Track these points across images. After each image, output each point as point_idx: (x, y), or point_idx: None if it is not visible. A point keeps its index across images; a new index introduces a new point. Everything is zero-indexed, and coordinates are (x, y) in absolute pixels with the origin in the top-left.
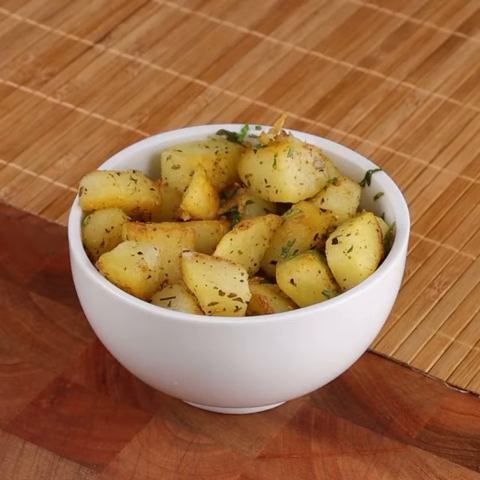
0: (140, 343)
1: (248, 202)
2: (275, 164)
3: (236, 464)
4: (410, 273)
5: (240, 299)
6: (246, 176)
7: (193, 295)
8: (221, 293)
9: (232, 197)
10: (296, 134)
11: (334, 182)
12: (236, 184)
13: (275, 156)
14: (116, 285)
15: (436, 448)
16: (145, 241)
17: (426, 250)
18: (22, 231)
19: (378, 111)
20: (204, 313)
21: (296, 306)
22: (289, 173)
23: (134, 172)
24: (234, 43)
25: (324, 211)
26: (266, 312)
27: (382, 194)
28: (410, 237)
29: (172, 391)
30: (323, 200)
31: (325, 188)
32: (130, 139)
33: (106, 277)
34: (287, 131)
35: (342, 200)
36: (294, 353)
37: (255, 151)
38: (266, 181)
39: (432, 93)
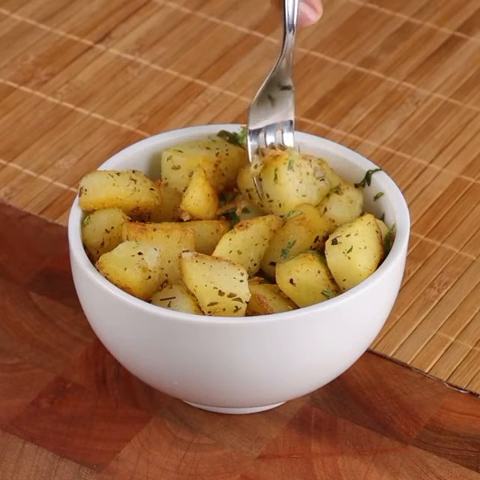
0: (140, 343)
1: (244, 211)
2: (276, 178)
3: (236, 464)
4: (410, 273)
5: (240, 299)
6: (247, 190)
7: (193, 295)
8: (221, 293)
9: (231, 201)
10: (296, 134)
11: (337, 191)
12: (235, 190)
13: (275, 170)
14: (116, 285)
15: (436, 448)
16: (145, 241)
17: (426, 250)
18: (22, 231)
19: (378, 111)
20: (204, 313)
21: (296, 306)
22: (291, 186)
23: (134, 172)
24: (234, 43)
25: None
26: (266, 312)
27: (382, 194)
28: (410, 237)
29: (172, 391)
30: (326, 209)
31: (328, 196)
32: (130, 139)
33: (106, 277)
34: (284, 142)
35: (344, 209)
36: (294, 353)
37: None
38: (268, 196)
39: (432, 93)
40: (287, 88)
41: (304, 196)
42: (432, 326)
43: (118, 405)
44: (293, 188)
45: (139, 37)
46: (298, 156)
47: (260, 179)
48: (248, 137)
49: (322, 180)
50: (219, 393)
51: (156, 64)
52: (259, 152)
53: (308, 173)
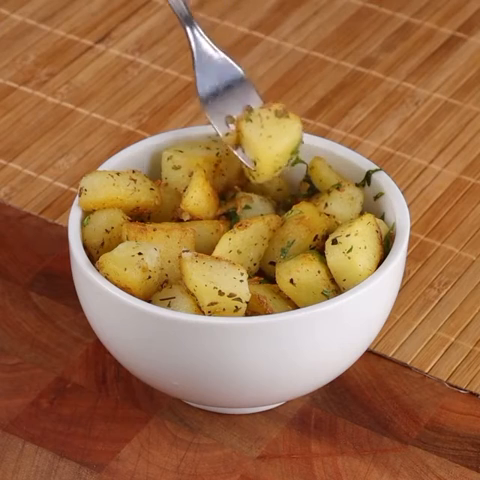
0: (140, 343)
1: (246, 207)
2: (243, 137)
3: (236, 464)
4: (410, 273)
5: (240, 299)
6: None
7: (193, 295)
8: (221, 293)
9: (231, 200)
10: None
11: (338, 187)
12: (235, 187)
13: (239, 132)
14: (116, 285)
15: (436, 448)
16: (145, 241)
17: (426, 250)
18: (22, 231)
19: (378, 111)
20: (204, 313)
21: (296, 306)
22: (253, 134)
23: (133, 172)
24: (234, 43)
25: (328, 215)
26: (266, 312)
27: (382, 194)
28: (410, 237)
29: (172, 391)
30: (327, 204)
31: (329, 193)
32: (130, 139)
33: (106, 277)
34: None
35: (345, 206)
36: (294, 353)
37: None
38: (254, 163)
39: (432, 93)
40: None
41: (270, 137)
42: (432, 326)
43: (118, 405)
44: (256, 135)
45: (139, 37)
46: (256, 108)
47: (243, 151)
48: (207, 114)
49: (287, 117)
50: (219, 393)
51: (156, 64)
52: (227, 120)
53: (268, 117)
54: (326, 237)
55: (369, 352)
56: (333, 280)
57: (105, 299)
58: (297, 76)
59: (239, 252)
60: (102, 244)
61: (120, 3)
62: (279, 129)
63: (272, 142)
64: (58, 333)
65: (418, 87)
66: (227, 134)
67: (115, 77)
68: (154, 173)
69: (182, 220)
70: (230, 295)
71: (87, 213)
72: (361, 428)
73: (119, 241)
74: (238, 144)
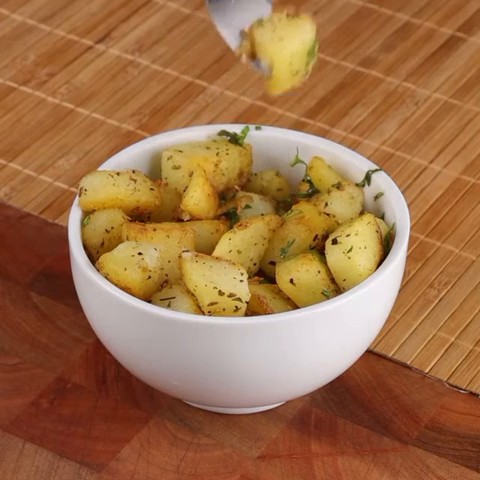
0: (140, 343)
1: (246, 206)
2: (257, 45)
3: (236, 464)
4: (410, 273)
5: (240, 299)
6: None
7: (193, 295)
8: (221, 293)
9: (231, 200)
10: (296, 134)
11: (338, 187)
12: (235, 187)
13: (253, 39)
14: (116, 285)
15: (436, 448)
16: (145, 241)
17: (426, 250)
18: (22, 231)
19: (378, 111)
20: (204, 313)
21: (296, 306)
22: (265, 38)
23: (134, 172)
24: None
25: (328, 215)
26: (266, 312)
27: (382, 194)
28: (410, 237)
29: (172, 391)
30: (327, 204)
31: (329, 192)
32: (130, 139)
33: (106, 277)
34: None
35: (346, 205)
36: (294, 353)
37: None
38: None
39: (432, 93)
40: None
41: (282, 39)
42: (432, 326)
43: (118, 405)
44: (268, 39)
45: (139, 37)
46: (267, 13)
47: (259, 60)
48: (219, 29)
49: (298, 18)
50: (219, 393)
51: (156, 64)
52: (242, 35)
53: (280, 19)
54: (326, 237)
55: (369, 352)
56: (333, 280)
57: (105, 299)
58: None
59: (239, 252)
60: (102, 244)
61: (120, 3)
62: (291, 30)
63: (284, 44)
64: (58, 333)
65: (418, 87)
66: (241, 45)
67: (115, 77)
68: (154, 173)
69: (182, 220)
70: (230, 295)
71: (87, 213)
72: (361, 428)
73: (119, 241)
74: (254, 56)
